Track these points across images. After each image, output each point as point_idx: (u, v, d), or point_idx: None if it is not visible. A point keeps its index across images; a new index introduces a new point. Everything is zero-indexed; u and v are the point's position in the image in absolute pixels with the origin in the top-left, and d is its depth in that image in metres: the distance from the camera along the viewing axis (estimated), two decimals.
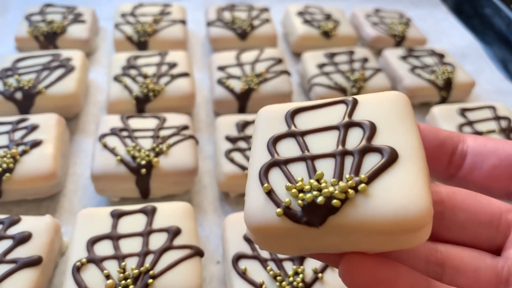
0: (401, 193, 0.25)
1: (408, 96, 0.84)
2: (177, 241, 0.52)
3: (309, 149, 0.29)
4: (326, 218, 0.26)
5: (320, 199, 0.26)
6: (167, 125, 0.68)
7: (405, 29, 1.00)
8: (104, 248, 0.51)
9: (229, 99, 0.78)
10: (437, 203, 0.30)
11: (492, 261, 0.30)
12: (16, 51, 0.90)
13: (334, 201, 0.25)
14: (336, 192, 0.26)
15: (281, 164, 0.28)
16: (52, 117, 0.68)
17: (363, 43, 1.02)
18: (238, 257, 0.52)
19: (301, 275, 0.49)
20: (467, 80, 0.86)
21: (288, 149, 0.29)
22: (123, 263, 0.49)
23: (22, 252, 0.51)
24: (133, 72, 0.78)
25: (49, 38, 0.88)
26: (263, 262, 0.51)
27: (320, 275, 0.50)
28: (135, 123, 0.68)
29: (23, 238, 0.52)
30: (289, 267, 0.51)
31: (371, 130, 0.29)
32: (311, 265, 0.51)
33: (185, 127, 0.68)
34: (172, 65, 0.79)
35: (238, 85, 0.78)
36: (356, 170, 0.27)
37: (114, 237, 0.52)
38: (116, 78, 0.76)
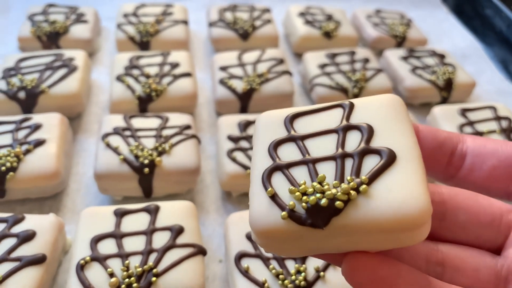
0: (401, 193, 0.26)
1: (409, 96, 0.85)
2: (180, 240, 0.52)
3: (309, 153, 0.30)
4: (330, 219, 0.26)
5: (323, 201, 0.26)
6: (170, 124, 0.68)
7: (406, 30, 1.00)
8: (107, 247, 0.51)
9: (231, 99, 0.78)
10: (439, 204, 0.31)
11: (492, 260, 0.30)
12: (19, 51, 0.90)
13: (337, 202, 0.26)
14: (339, 193, 0.26)
15: (283, 168, 0.29)
16: (55, 117, 0.68)
17: (364, 44, 1.02)
18: (241, 256, 0.52)
19: (303, 274, 0.50)
20: (467, 81, 0.86)
21: (289, 153, 0.30)
22: (126, 261, 0.49)
23: (26, 250, 0.51)
24: (135, 72, 0.78)
25: (51, 38, 0.89)
26: (266, 260, 0.51)
27: (322, 273, 0.50)
28: (138, 122, 0.68)
29: (27, 237, 0.52)
30: (291, 265, 0.51)
31: (369, 132, 0.29)
32: (313, 263, 0.51)
33: (188, 127, 0.68)
34: (175, 65, 0.80)
35: (240, 85, 0.79)
36: (357, 172, 0.28)
37: (118, 236, 0.52)
38: (119, 78, 0.77)
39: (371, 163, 0.28)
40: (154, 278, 0.48)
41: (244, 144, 0.68)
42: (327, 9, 1.03)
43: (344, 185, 0.27)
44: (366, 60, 0.88)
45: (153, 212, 0.55)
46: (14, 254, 0.51)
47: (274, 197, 0.28)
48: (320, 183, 0.27)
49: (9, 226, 0.54)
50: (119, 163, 0.62)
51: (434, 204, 0.29)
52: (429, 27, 1.10)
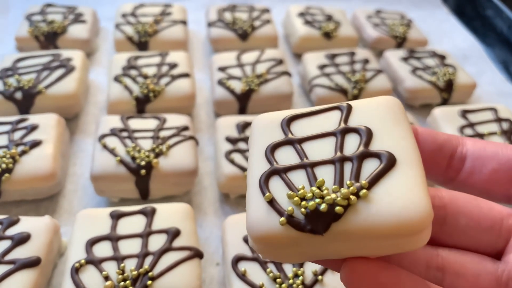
0: (402, 197, 0.26)
1: (409, 97, 0.85)
2: (177, 243, 0.52)
3: (307, 156, 0.29)
4: (330, 225, 0.26)
5: (323, 207, 0.26)
6: (167, 125, 0.68)
7: (406, 30, 1.00)
8: (103, 249, 0.51)
9: (229, 100, 0.78)
10: (439, 208, 0.30)
11: (493, 265, 0.30)
12: (16, 51, 0.90)
13: (337, 208, 0.26)
14: (339, 199, 0.26)
15: (281, 172, 0.28)
16: (52, 117, 0.68)
17: (364, 44, 1.02)
18: (238, 259, 0.52)
19: (301, 277, 0.49)
20: (468, 82, 0.86)
21: (286, 156, 0.29)
22: (122, 265, 0.49)
23: (21, 252, 0.51)
24: (133, 72, 0.78)
25: (49, 38, 0.88)
26: (263, 264, 0.51)
27: (320, 277, 0.50)
28: (135, 123, 0.68)
29: (22, 239, 0.52)
30: (289, 269, 0.50)
31: (368, 135, 0.29)
32: (311, 267, 0.50)
33: (185, 128, 0.68)
34: (173, 66, 0.79)
35: (238, 86, 0.78)
36: (356, 176, 0.27)
37: (113, 238, 0.52)
38: (117, 79, 0.76)
39: (370, 166, 0.27)
40: (149, 282, 0.48)
41: (242, 145, 0.67)
42: (327, 9, 1.03)
43: (343, 190, 0.26)
44: (366, 61, 0.87)
45: (150, 214, 0.54)
46: (8, 257, 0.50)
47: (272, 202, 0.27)
48: (319, 187, 0.27)
49: (3, 228, 0.53)
50: (115, 164, 0.61)
51: (434, 208, 0.29)
52: (429, 28, 1.09)
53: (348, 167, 0.28)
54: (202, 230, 0.63)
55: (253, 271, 0.51)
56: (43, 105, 0.72)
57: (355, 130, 0.29)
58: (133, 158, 0.62)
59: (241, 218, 0.57)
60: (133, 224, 0.54)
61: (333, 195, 0.26)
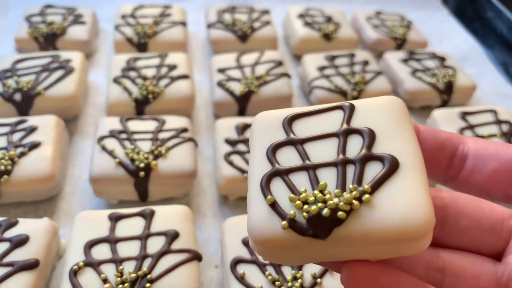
0: (404, 203, 0.26)
1: (409, 99, 0.84)
2: (175, 245, 0.52)
3: (309, 158, 0.29)
4: (332, 230, 0.26)
5: (325, 211, 0.25)
6: (167, 127, 0.68)
7: (406, 32, 0.99)
8: (101, 252, 0.51)
9: (229, 102, 0.77)
10: (440, 209, 0.30)
11: (493, 267, 0.29)
12: (15, 52, 0.90)
13: (340, 213, 0.25)
14: (341, 203, 0.26)
15: (283, 174, 0.28)
16: (51, 119, 0.68)
17: (364, 46, 1.01)
18: (237, 262, 0.52)
19: (299, 280, 0.49)
20: (468, 84, 0.86)
21: (288, 157, 0.29)
22: (120, 267, 0.49)
23: (19, 255, 0.51)
24: (132, 74, 0.78)
25: (49, 39, 0.88)
26: (262, 267, 0.51)
27: (319, 280, 0.49)
28: (134, 125, 0.68)
29: (20, 241, 0.52)
30: (287, 272, 0.50)
31: (371, 137, 0.28)
32: (310, 270, 0.50)
33: (185, 130, 0.68)
34: (172, 67, 0.79)
35: (238, 88, 0.78)
36: (359, 180, 0.27)
37: (112, 241, 0.52)
38: (116, 80, 0.76)
39: (373, 170, 0.27)
40: (148, 284, 0.48)
41: (241, 147, 0.67)
42: (327, 10, 1.03)
43: (346, 195, 0.26)
44: (365, 63, 0.87)
45: (148, 216, 0.54)
46: (6, 259, 0.50)
47: (273, 205, 0.27)
48: (321, 191, 0.27)
49: (2, 230, 0.53)
50: (114, 166, 0.61)
51: (435, 209, 0.29)
52: (429, 29, 1.09)
53: (350, 170, 0.27)
54: (201, 232, 0.62)
55: (252, 273, 0.50)
56: (42, 107, 0.72)
57: (357, 132, 0.29)
58: (132, 160, 0.62)
59: (240, 220, 0.56)
60: (132, 226, 0.54)
61: (336, 200, 0.26)
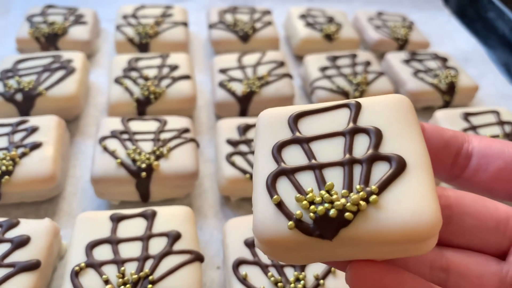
0: (411, 204, 0.25)
1: (411, 100, 0.83)
2: (177, 246, 0.52)
3: (316, 157, 0.28)
4: (339, 231, 0.25)
5: (332, 212, 0.25)
6: (168, 128, 0.68)
7: (408, 33, 0.99)
8: (103, 253, 0.50)
9: (230, 102, 0.77)
10: (445, 208, 0.30)
11: (497, 266, 0.29)
12: (17, 52, 0.89)
13: (347, 214, 0.25)
14: (348, 204, 0.25)
15: (289, 173, 0.28)
16: (52, 119, 0.67)
17: (366, 47, 1.01)
18: (239, 263, 0.51)
19: (302, 282, 0.49)
20: (470, 84, 0.85)
21: (293, 156, 0.29)
22: (122, 268, 0.49)
23: (21, 255, 0.50)
24: (134, 74, 0.78)
25: (50, 40, 0.88)
26: (264, 268, 0.51)
27: (321, 281, 0.49)
28: (136, 125, 0.68)
29: (22, 242, 0.52)
30: (290, 273, 0.50)
31: (377, 137, 0.28)
32: (313, 271, 0.50)
33: (186, 130, 0.68)
34: (174, 68, 0.79)
35: (239, 88, 0.78)
36: (366, 180, 0.27)
37: (114, 241, 0.51)
38: (117, 80, 0.76)
39: (380, 170, 0.27)
40: (150, 286, 0.47)
41: (243, 148, 0.67)
42: (328, 11, 1.03)
43: (353, 195, 0.26)
44: (367, 63, 0.87)
45: (150, 217, 0.54)
46: (8, 260, 0.50)
47: (280, 205, 0.27)
48: (328, 191, 0.26)
49: (3, 231, 0.53)
50: (116, 167, 0.61)
51: (440, 208, 0.28)
52: (431, 30, 1.09)
53: (357, 170, 0.27)
54: (203, 233, 0.62)
55: (254, 275, 0.50)
56: (43, 107, 0.72)
57: (364, 131, 0.29)
58: (134, 161, 0.62)
59: (242, 221, 0.56)
60: (134, 227, 0.53)
61: (343, 200, 0.26)
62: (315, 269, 0.50)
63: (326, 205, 0.26)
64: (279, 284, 0.49)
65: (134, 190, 0.62)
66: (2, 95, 0.72)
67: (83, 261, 0.49)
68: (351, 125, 0.29)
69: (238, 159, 0.65)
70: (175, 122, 0.69)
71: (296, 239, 0.26)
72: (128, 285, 0.47)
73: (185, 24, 0.94)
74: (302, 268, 0.50)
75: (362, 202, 0.25)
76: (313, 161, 0.28)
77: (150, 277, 0.48)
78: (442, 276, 0.30)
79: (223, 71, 0.81)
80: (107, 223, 0.54)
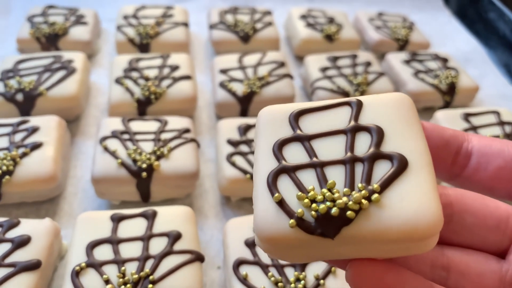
0: (413, 203, 0.25)
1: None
2: (178, 246, 0.52)
3: (317, 155, 0.28)
4: (340, 229, 0.25)
5: (334, 210, 0.25)
6: (169, 128, 0.68)
7: (409, 33, 0.99)
8: (103, 252, 0.50)
9: (231, 102, 0.77)
10: (446, 206, 0.30)
11: (497, 264, 0.30)
12: (17, 53, 0.90)
13: (349, 212, 0.25)
14: (350, 203, 0.25)
15: (290, 171, 0.28)
16: (53, 119, 0.68)
17: (366, 47, 1.01)
18: (239, 263, 0.51)
19: (302, 282, 0.49)
20: (470, 85, 0.85)
21: (294, 154, 0.28)
22: (122, 268, 0.49)
23: (21, 255, 0.50)
24: (134, 74, 0.78)
25: (50, 40, 0.88)
26: (264, 268, 0.51)
27: (322, 281, 0.49)
28: (136, 125, 0.68)
29: (22, 242, 0.52)
30: (290, 273, 0.50)
31: (379, 135, 0.28)
32: (313, 271, 0.50)
33: (187, 130, 0.68)
34: (174, 68, 0.79)
35: (240, 88, 0.78)
36: (367, 179, 0.27)
37: (114, 241, 0.51)
38: (118, 81, 0.76)
39: (382, 169, 0.27)
40: (150, 285, 0.48)
41: (244, 148, 0.67)
42: (329, 11, 1.03)
43: (355, 194, 0.25)
44: (368, 64, 0.87)
45: (150, 217, 0.54)
46: (8, 260, 0.50)
47: (281, 203, 0.26)
48: (330, 190, 0.26)
49: (4, 230, 0.53)
50: (116, 167, 0.61)
51: (442, 207, 0.29)
52: (431, 31, 1.09)
53: (359, 169, 0.27)
54: (203, 233, 0.62)
55: (255, 274, 0.50)
56: (44, 107, 0.72)
57: (366, 129, 0.29)
58: (134, 161, 0.62)
59: (243, 221, 0.56)
60: (134, 227, 0.53)
61: (345, 199, 0.25)
62: (315, 269, 0.50)
63: (328, 203, 0.26)
64: (280, 284, 0.49)
65: (135, 190, 0.62)
66: (3, 95, 0.72)
67: (84, 261, 0.49)
68: (352, 123, 0.29)
69: (238, 159, 0.65)
70: (176, 122, 0.69)
71: (297, 238, 0.26)
72: (128, 285, 0.47)
73: (185, 24, 0.94)
74: (303, 268, 0.50)
75: (364, 201, 0.25)
76: (315, 159, 0.28)
77: (151, 277, 0.48)
78: (442, 275, 0.30)
79: (223, 71, 0.81)
80: (107, 223, 0.54)
